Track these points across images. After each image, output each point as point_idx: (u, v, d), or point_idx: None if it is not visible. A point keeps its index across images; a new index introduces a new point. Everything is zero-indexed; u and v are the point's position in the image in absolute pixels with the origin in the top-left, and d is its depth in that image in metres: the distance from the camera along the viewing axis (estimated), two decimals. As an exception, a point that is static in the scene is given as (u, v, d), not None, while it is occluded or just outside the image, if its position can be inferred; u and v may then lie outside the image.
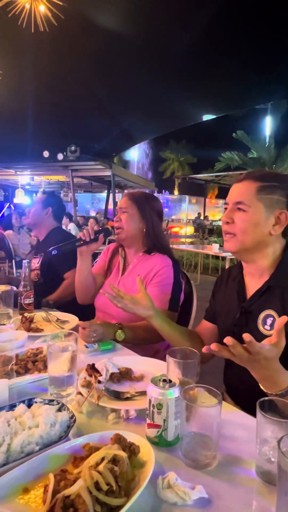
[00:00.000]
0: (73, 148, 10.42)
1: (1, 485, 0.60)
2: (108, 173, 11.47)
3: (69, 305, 2.00)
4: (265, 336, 1.05)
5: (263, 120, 22.88)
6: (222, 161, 13.65)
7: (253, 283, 1.15)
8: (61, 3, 4.80)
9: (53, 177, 14.07)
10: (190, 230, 18.52)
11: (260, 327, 1.07)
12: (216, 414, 0.71)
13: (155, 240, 1.62)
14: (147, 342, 1.47)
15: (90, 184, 15.35)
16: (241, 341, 0.91)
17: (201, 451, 0.72)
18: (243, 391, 0.98)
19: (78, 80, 8.86)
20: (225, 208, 1.13)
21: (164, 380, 0.79)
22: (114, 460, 0.63)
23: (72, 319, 1.56)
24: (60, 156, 10.52)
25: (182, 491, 0.62)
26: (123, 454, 0.64)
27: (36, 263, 2.25)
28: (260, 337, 1.05)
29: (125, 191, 13.40)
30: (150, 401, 0.77)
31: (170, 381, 0.79)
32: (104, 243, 1.67)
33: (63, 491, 0.56)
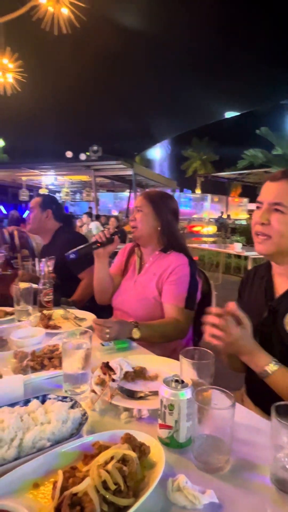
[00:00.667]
0: (95, 148, 10.53)
1: (12, 480, 0.61)
2: (129, 172, 11.52)
3: (88, 304, 2.01)
4: None
5: (289, 116, 22.16)
6: (245, 159, 13.36)
7: (282, 283, 1.14)
8: (83, 5, 4.86)
9: (75, 177, 14.28)
10: (212, 229, 18.30)
11: (287, 327, 1.05)
12: (229, 416, 0.69)
13: (171, 239, 1.62)
14: (164, 340, 1.46)
15: (112, 183, 15.46)
16: (269, 340, 1.02)
17: (214, 454, 0.70)
18: (264, 392, 0.96)
19: (100, 81, 8.97)
20: (257, 207, 1.10)
21: (177, 381, 0.78)
22: (124, 460, 0.62)
23: (90, 317, 1.57)
24: (82, 156, 10.66)
25: (192, 495, 0.61)
26: (132, 454, 0.63)
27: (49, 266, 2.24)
28: (286, 337, 1.02)
29: (145, 190, 13.44)
30: (161, 401, 0.76)
31: (183, 381, 0.78)
32: (124, 242, 1.68)
33: (71, 488, 0.56)
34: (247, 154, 13.22)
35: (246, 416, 0.90)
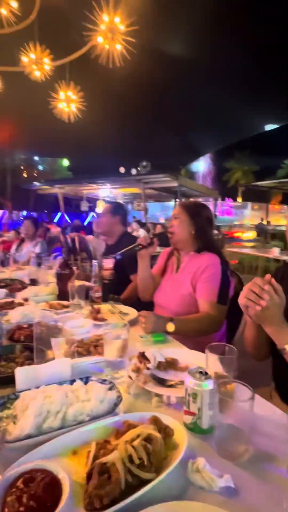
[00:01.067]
0: (144, 163, 10.68)
1: (55, 446, 0.65)
2: (175, 184, 11.49)
3: (135, 301, 2.05)
4: None
5: None
6: (285, 168, 12.63)
7: None
8: (134, 41, 4.99)
9: (127, 189, 14.60)
10: (252, 234, 17.56)
11: None
12: (248, 408, 0.67)
13: (204, 241, 1.63)
14: (198, 334, 1.44)
15: (160, 194, 15.54)
16: None
17: (233, 443, 0.68)
18: None
19: (148, 104, 9.09)
20: None
21: (201, 372, 0.76)
22: (149, 439, 0.63)
23: (132, 312, 1.61)
24: (133, 171, 10.86)
25: (210, 477, 0.59)
26: (157, 434, 0.64)
27: (109, 263, 2.30)
28: None
29: (189, 199, 13.32)
30: (186, 390, 0.75)
31: (206, 373, 0.76)
32: (167, 245, 1.71)
33: (101, 458, 0.59)
34: (286, 163, 12.48)
35: (270, 410, 0.86)
